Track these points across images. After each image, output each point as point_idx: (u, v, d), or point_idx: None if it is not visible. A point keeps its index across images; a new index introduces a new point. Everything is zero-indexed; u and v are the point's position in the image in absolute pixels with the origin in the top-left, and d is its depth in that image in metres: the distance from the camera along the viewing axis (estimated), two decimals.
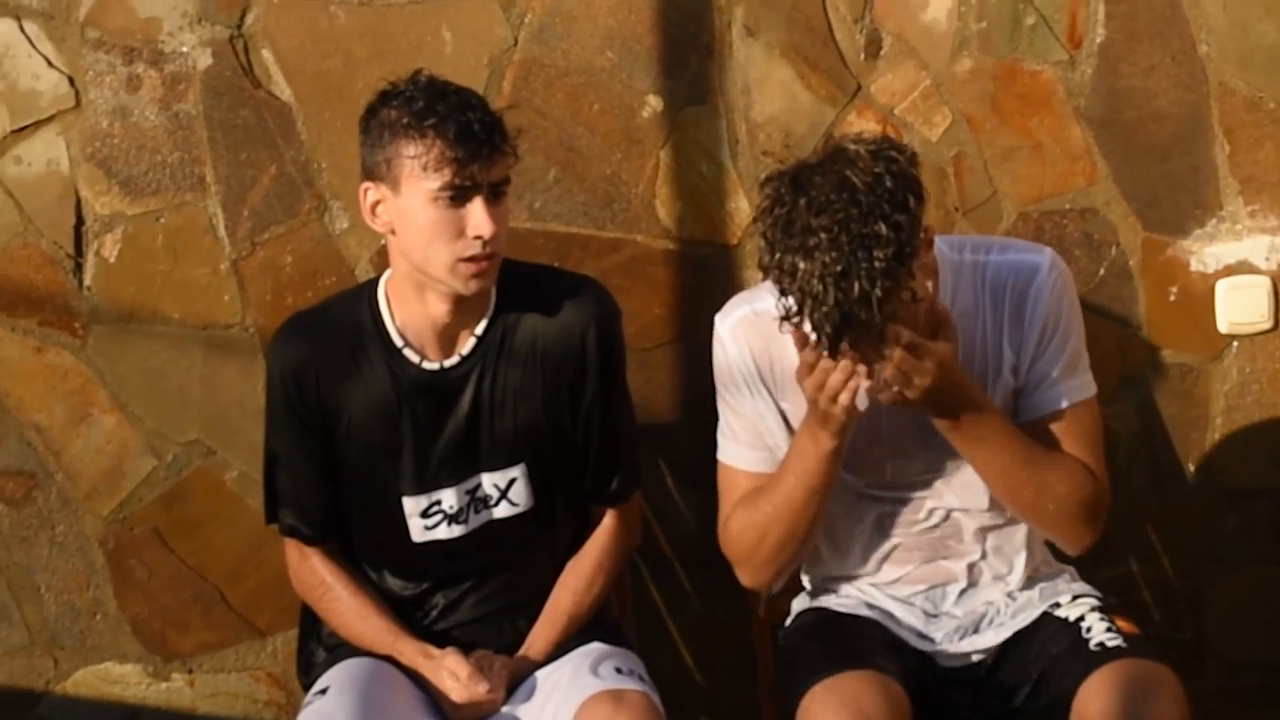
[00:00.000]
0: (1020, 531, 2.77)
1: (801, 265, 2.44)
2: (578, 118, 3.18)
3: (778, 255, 2.48)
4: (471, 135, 2.60)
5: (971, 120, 3.26)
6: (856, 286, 2.41)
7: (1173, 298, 3.30)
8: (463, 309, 2.73)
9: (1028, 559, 2.79)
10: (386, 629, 2.79)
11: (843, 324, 2.44)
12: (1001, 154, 3.27)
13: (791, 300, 2.49)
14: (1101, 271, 3.29)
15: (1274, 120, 3.25)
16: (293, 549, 2.85)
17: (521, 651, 2.79)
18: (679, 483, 3.21)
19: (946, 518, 2.74)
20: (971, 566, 2.78)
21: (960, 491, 2.73)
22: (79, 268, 3.23)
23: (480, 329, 2.75)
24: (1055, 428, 2.70)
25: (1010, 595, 2.75)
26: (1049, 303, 2.69)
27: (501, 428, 2.76)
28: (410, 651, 2.77)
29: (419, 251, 2.64)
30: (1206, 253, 3.29)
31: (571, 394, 2.78)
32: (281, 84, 3.21)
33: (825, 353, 2.51)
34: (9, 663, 3.30)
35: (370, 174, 2.66)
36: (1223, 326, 3.30)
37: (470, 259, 2.62)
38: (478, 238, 2.60)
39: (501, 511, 2.79)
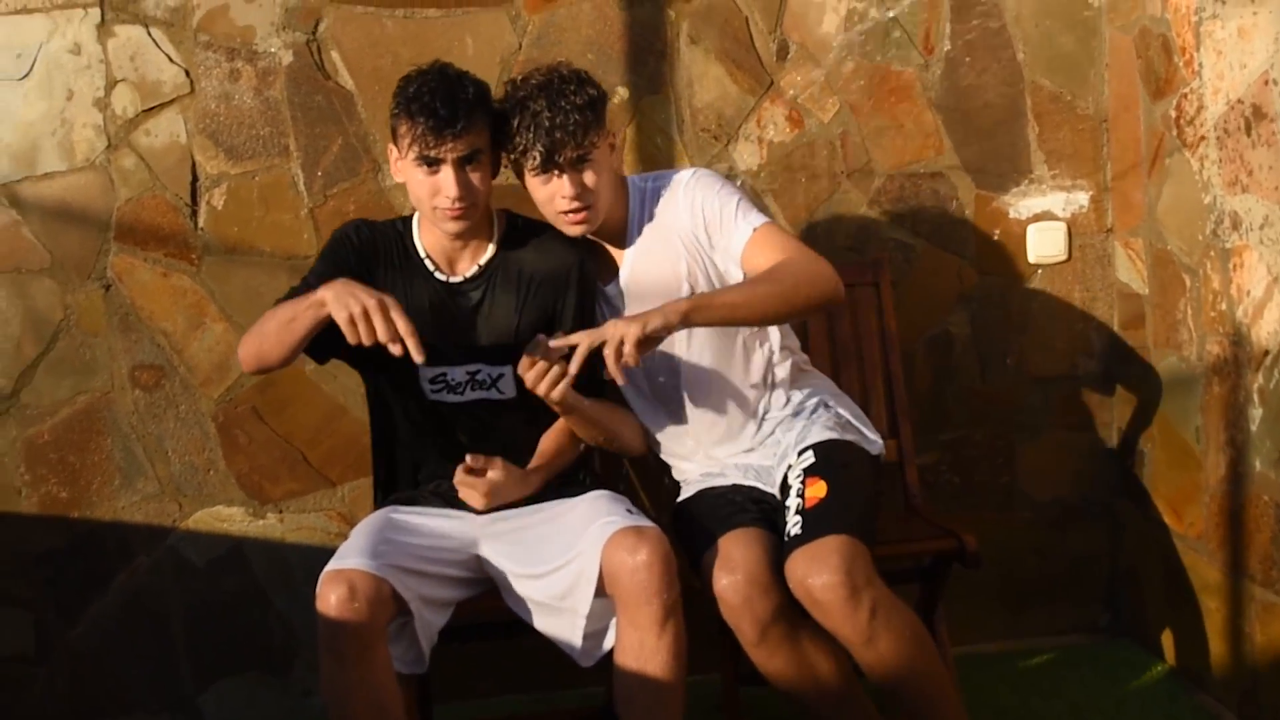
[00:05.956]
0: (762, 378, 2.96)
1: (517, 118, 2.76)
2: None
3: (511, 128, 2.78)
4: (438, 120, 2.72)
5: (853, 107, 3.54)
6: (558, 119, 2.74)
7: (996, 237, 3.63)
8: (465, 239, 2.88)
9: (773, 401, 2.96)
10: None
11: (551, 147, 2.74)
12: (875, 132, 3.54)
13: (515, 149, 2.77)
14: (945, 218, 3.59)
15: (1070, 109, 3.59)
16: None
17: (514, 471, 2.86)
18: None
19: (713, 390, 2.95)
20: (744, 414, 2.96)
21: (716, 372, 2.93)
22: (194, 213, 3.39)
23: (484, 259, 2.90)
24: (754, 249, 2.83)
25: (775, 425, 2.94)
26: (698, 189, 2.88)
27: (496, 332, 2.88)
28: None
29: (414, 199, 2.85)
30: (1020, 205, 3.62)
31: (555, 317, 2.91)
32: (346, 77, 3.40)
33: (541, 172, 2.77)
34: (145, 506, 3.44)
35: (391, 138, 2.85)
36: (1031, 258, 3.63)
37: (444, 209, 2.79)
38: (446, 197, 2.78)
39: (492, 395, 2.91)
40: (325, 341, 2.76)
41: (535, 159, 2.78)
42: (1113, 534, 3.77)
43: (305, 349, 2.78)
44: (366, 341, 2.62)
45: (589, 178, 2.81)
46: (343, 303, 2.63)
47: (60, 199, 3.37)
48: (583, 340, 2.70)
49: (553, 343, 2.74)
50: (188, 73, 3.39)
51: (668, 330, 2.69)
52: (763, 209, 2.93)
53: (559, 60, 2.93)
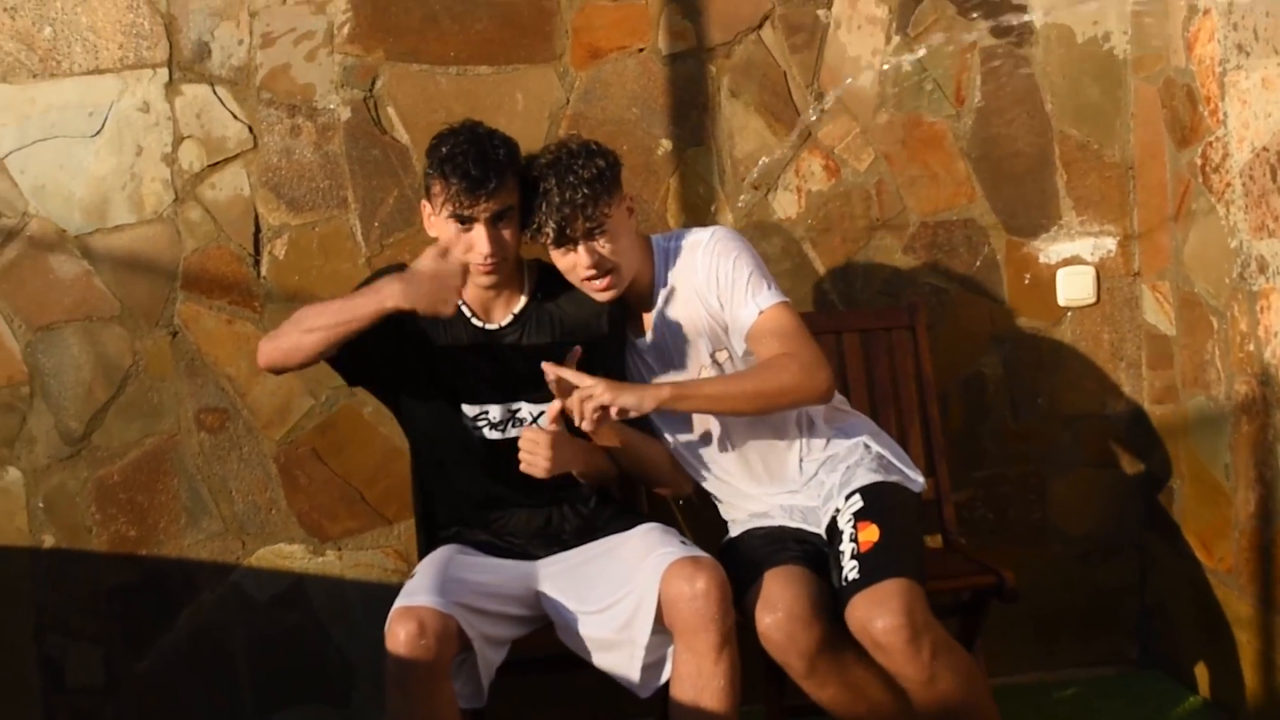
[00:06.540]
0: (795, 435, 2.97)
1: (532, 197, 2.82)
2: None
3: (531, 208, 2.83)
4: (471, 181, 2.78)
5: (888, 157, 3.57)
6: (567, 195, 2.79)
7: (1027, 281, 3.64)
8: (498, 290, 2.94)
9: (808, 453, 2.97)
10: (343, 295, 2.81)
11: (562, 223, 2.80)
12: (909, 180, 3.58)
13: (530, 226, 2.84)
14: (977, 263, 3.62)
15: (1097, 157, 3.63)
16: None
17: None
18: None
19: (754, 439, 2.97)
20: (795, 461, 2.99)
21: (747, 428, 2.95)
22: (257, 263, 3.44)
23: (518, 308, 2.96)
24: (759, 332, 2.86)
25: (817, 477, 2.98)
26: (716, 255, 2.89)
27: (536, 370, 2.86)
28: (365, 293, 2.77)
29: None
30: (1050, 250, 3.65)
31: (588, 357, 2.90)
32: (401, 131, 3.44)
33: (556, 246, 2.83)
34: (210, 544, 3.49)
35: (425, 195, 2.93)
36: (1061, 301, 3.65)
37: (477, 264, 2.85)
38: (479, 254, 2.84)
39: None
40: (359, 365, 2.87)
41: (549, 235, 2.83)
42: (1143, 568, 3.78)
43: (340, 367, 2.89)
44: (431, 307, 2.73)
45: (605, 246, 2.85)
46: (415, 287, 2.74)
47: (129, 250, 3.44)
48: (572, 377, 2.78)
49: (546, 366, 2.81)
50: (251, 129, 3.45)
51: (637, 411, 2.79)
52: (773, 282, 2.95)
53: (572, 133, 2.99)
